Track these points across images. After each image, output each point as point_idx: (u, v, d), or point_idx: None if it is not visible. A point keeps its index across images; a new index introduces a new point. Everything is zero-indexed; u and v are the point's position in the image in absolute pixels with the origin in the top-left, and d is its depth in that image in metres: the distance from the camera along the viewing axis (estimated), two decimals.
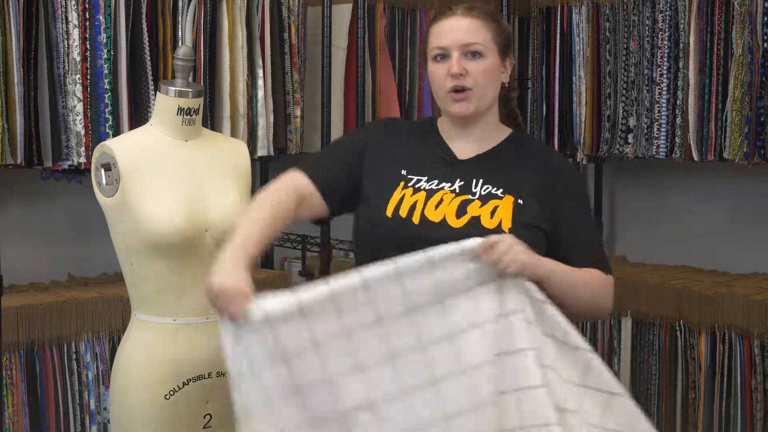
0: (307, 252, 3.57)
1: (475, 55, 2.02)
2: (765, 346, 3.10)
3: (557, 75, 3.75)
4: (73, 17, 2.73)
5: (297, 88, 3.31)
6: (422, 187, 2.02)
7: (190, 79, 2.29)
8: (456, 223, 1.96)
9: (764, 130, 3.11)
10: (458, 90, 2.01)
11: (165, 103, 2.19)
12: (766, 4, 3.10)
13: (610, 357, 3.49)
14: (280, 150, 3.30)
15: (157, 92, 2.20)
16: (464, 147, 2.09)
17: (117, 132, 2.82)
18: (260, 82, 3.17)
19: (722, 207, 3.79)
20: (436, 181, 2.04)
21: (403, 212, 1.98)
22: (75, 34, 2.73)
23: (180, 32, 2.94)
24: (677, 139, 3.36)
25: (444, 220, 1.96)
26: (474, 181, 2.02)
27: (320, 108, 3.34)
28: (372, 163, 2.07)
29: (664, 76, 3.39)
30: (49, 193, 3.14)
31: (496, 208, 1.96)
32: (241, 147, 2.38)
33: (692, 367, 3.26)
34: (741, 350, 3.13)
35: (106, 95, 2.80)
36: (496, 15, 2.12)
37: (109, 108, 2.81)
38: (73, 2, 2.72)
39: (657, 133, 3.40)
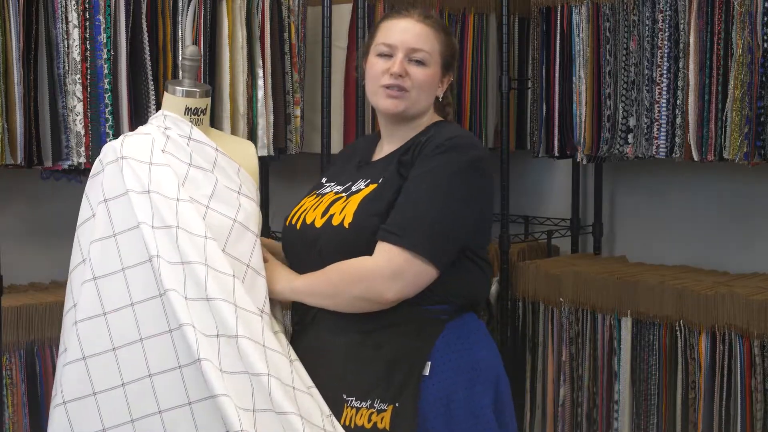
0: None
1: (419, 63, 2.04)
2: (765, 346, 3.10)
3: (557, 75, 3.75)
4: (73, 17, 2.73)
5: (297, 88, 3.31)
6: (320, 192, 2.11)
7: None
8: (318, 223, 2.01)
9: (764, 130, 3.11)
10: (393, 88, 2.03)
11: (172, 103, 2.18)
12: (766, 4, 3.09)
13: (610, 357, 3.49)
14: (280, 150, 3.29)
15: (164, 92, 2.19)
16: (386, 149, 2.13)
17: (117, 132, 2.81)
18: (260, 82, 3.16)
19: (722, 207, 3.78)
20: (333, 184, 2.11)
21: (294, 219, 2.09)
22: (75, 34, 2.73)
23: (180, 32, 2.94)
24: (677, 139, 3.36)
25: (313, 221, 2.02)
26: (359, 179, 2.06)
27: (320, 108, 3.33)
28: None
29: (664, 76, 3.39)
30: (49, 193, 3.14)
31: (346, 205, 1.99)
32: (248, 147, 2.37)
33: (692, 367, 3.25)
34: (741, 350, 3.13)
35: (106, 95, 2.79)
36: (448, 29, 2.14)
37: (109, 108, 2.80)
38: (73, 2, 2.72)
39: (657, 133, 3.40)
